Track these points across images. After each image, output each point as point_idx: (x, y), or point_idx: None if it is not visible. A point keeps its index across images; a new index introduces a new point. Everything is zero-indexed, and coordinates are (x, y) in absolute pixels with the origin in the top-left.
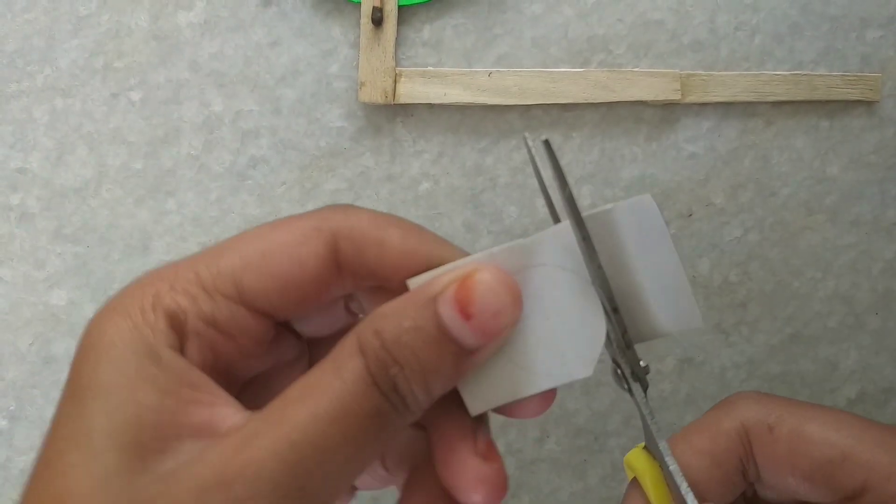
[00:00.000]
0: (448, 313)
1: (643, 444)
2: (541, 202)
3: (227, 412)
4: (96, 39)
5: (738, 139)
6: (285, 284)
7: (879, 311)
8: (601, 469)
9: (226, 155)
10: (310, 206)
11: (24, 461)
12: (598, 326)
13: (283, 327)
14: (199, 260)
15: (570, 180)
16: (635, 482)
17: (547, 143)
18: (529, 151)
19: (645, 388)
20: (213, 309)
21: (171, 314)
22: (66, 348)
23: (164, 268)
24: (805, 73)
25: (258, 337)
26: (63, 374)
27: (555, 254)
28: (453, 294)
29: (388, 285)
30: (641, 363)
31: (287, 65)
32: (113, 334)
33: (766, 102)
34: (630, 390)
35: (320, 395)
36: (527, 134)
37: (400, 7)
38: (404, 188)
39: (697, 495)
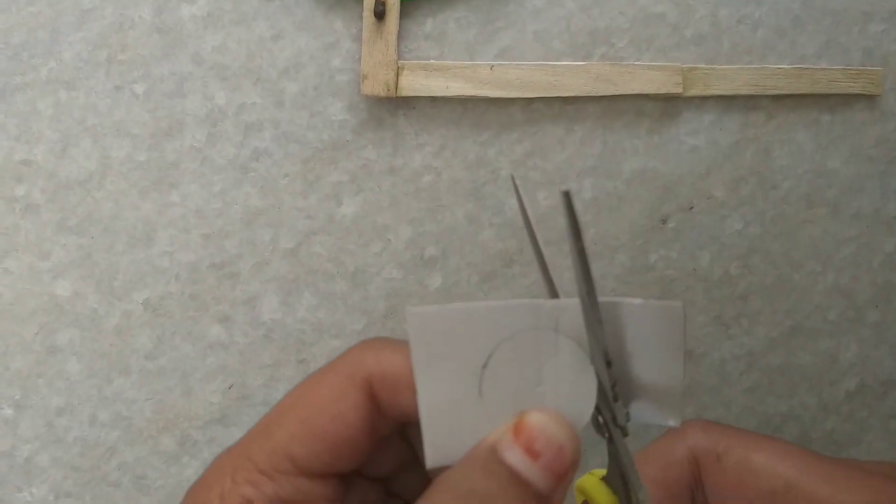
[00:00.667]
0: (515, 456)
1: (595, 471)
2: (542, 194)
3: None
4: (100, 32)
5: (739, 132)
6: (334, 444)
7: (879, 304)
8: None
9: (229, 147)
10: (312, 199)
11: (29, 450)
12: (588, 396)
13: (355, 478)
14: (250, 444)
15: (573, 184)
16: None
17: (567, 196)
18: (517, 191)
19: (625, 434)
20: (276, 490)
21: None
22: (69, 338)
23: (221, 460)
24: (807, 66)
25: (327, 496)
26: (67, 365)
27: (556, 321)
28: (511, 437)
29: None
30: (624, 410)
31: (290, 58)
32: None
33: (768, 96)
34: (611, 438)
35: None
36: (513, 174)
37: (402, 0)
38: (406, 181)
39: None
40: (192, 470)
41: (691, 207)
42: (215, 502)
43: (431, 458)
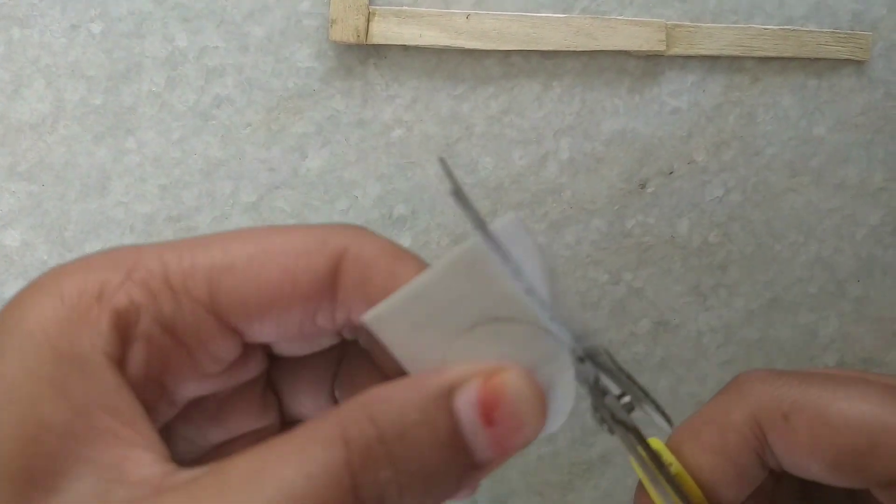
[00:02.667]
0: (467, 415)
1: (651, 441)
2: (518, 153)
3: (143, 457)
4: None
5: (722, 95)
6: (269, 298)
7: (861, 278)
8: (570, 433)
9: (189, 93)
10: (275, 151)
11: None
12: (568, 386)
13: (248, 346)
14: (171, 248)
15: (549, 143)
16: (643, 487)
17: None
18: (450, 175)
19: (630, 428)
20: (174, 311)
21: (119, 311)
22: (18, 289)
23: (125, 249)
24: (794, 28)
25: (221, 354)
26: None
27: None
28: (476, 391)
29: None
30: (625, 399)
31: (255, 0)
32: (34, 321)
33: (753, 58)
34: (613, 433)
35: (272, 489)
36: (442, 157)
37: None
38: (375, 134)
39: (715, 497)
40: None
41: (671, 172)
42: (89, 292)
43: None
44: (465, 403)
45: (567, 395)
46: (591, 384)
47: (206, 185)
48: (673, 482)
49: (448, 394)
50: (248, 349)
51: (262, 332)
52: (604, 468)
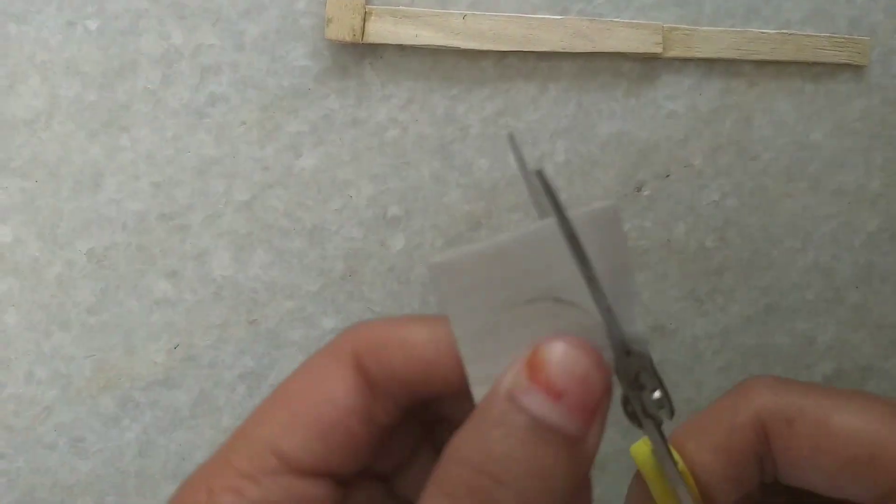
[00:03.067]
0: (534, 401)
1: (647, 439)
2: (512, 156)
3: None
4: None
5: (719, 99)
6: (324, 431)
7: (859, 285)
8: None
9: (184, 91)
10: (269, 150)
11: None
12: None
13: (354, 479)
14: (229, 448)
15: (545, 146)
16: (640, 479)
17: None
18: (516, 150)
19: (659, 424)
20: (263, 494)
21: None
22: (8, 288)
23: (196, 472)
24: (792, 32)
25: (323, 499)
26: (4, 316)
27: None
28: (527, 377)
29: (435, 390)
30: (656, 395)
31: None
32: None
33: (750, 61)
34: (642, 427)
35: None
36: (510, 133)
37: None
38: (370, 134)
39: (709, 496)
40: (132, 434)
41: (667, 175)
42: None
43: (477, 393)
44: (524, 392)
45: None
46: (630, 379)
47: (199, 183)
48: (680, 480)
49: (510, 399)
50: (352, 486)
51: (342, 461)
52: (598, 475)
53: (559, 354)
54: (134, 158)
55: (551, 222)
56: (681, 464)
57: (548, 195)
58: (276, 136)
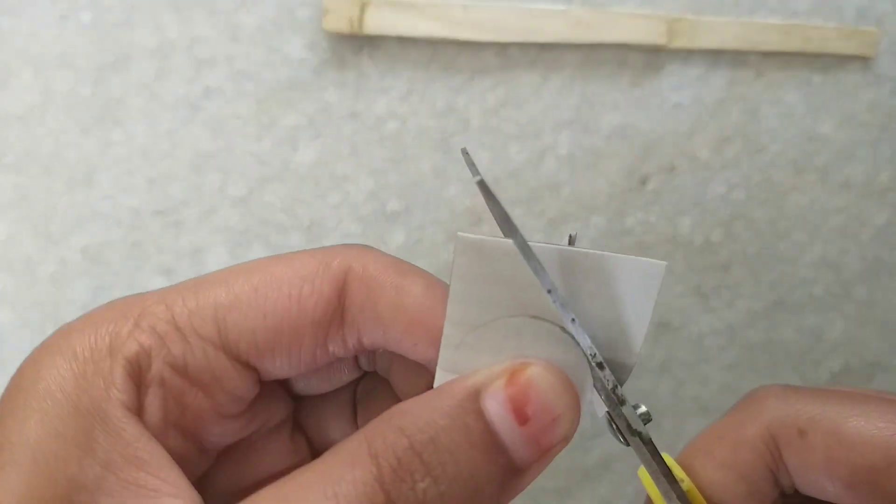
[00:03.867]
0: (498, 412)
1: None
2: (515, 148)
3: None
4: None
5: (725, 90)
6: (278, 327)
7: (867, 280)
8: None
9: (179, 84)
10: (266, 143)
11: None
12: (583, 380)
13: (268, 384)
14: (174, 291)
15: (547, 138)
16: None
17: (482, 185)
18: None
19: (645, 440)
20: (184, 352)
21: (130, 360)
22: (2, 284)
23: (129, 299)
24: (799, 23)
25: (238, 392)
26: (1, 314)
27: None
28: (503, 390)
29: (400, 348)
30: (641, 410)
31: None
32: (52, 381)
33: (757, 52)
34: (628, 444)
35: None
36: (464, 148)
37: None
38: (369, 127)
39: None
40: None
41: (673, 168)
42: (100, 346)
43: (439, 378)
44: (495, 402)
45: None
46: (607, 391)
47: (194, 178)
48: (684, 499)
49: (475, 396)
50: (269, 389)
51: (276, 365)
52: (602, 474)
53: (547, 382)
54: (128, 153)
55: (570, 249)
56: (686, 482)
57: (492, 207)
58: (273, 129)
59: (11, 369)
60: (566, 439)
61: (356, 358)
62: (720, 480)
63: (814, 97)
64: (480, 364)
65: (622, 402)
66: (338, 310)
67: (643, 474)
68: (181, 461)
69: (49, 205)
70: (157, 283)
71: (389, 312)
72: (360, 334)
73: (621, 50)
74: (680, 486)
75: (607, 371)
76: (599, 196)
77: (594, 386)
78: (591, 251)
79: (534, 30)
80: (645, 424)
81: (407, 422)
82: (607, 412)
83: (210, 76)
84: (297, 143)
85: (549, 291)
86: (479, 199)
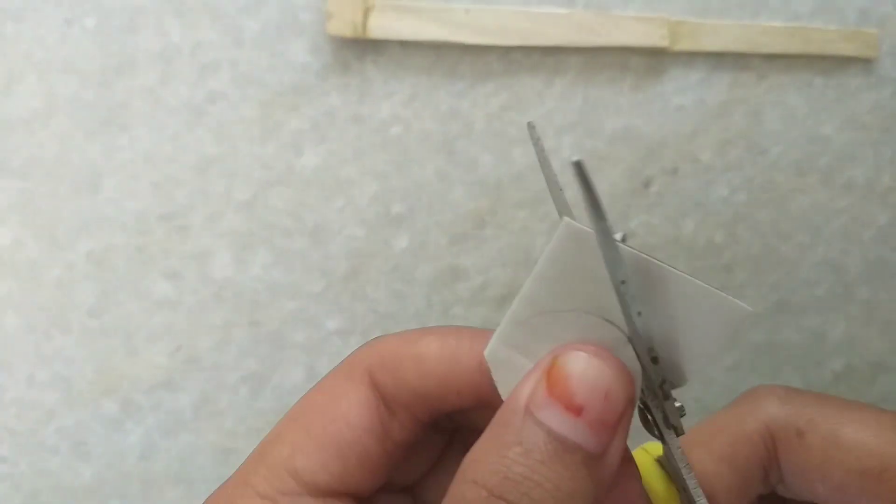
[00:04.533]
0: (553, 417)
1: (648, 446)
2: (518, 151)
3: None
4: None
5: (728, 92)
6: (340, 450)
7: (870, 280)
8: None
9: (183, 88)
10: (270, 147)
11: None
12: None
13: (375, 495)
14: (247, 469)
15: (551, 142)
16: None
17: (578, 166)
18: (536, 145)
19: (679, 434)
20: None
21: None
22: (7, 290)
23: (217, 493)
24: (800, 25)
25: None
26: (4, 318)
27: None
28: (546, 392)
29: (448, 405)
30: (677, 404)
31: None
32: None
33: (759, 55)
34: (663, 438)
35: None
36: (530, 122)
37: None
38: (372, 131)
39: None
40: (134, 437)
41: (675, 171)
42: None
43: (498, 378)
44: (543, 407)
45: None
46: (655, 386)
47: (198, 182)
48: (699, 491)
49: (525, 411)
50: (366, 500)
51: (361, 481)
52: None
53: (580, 366)
54: (133, 158)
55: (655, 262)
56: (700, 489)
57: (584, 190)
58: (277, 133)
59: (18, 373)
60: (630, 404)
61: (436, 426)
62: (715, 472)
63: (816, 99)
64: (533, 347)
65: (667, 396)
66: (380, 405)
67: (637, 460)
68: None
69: (54, 209)
70: (163, 287)
71: (419, 382)
72: (411, 412)
73: (624, 53)
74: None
75: (660, 366)
76: (603, 199)
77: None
78: (677, 271)
79: (537, 34)
80: (681, 418)
81: (478, 472)
82: (642, 404)
83: (214, 81)
84: (301, 148)
85: (622, 283)
86: (483, 203)
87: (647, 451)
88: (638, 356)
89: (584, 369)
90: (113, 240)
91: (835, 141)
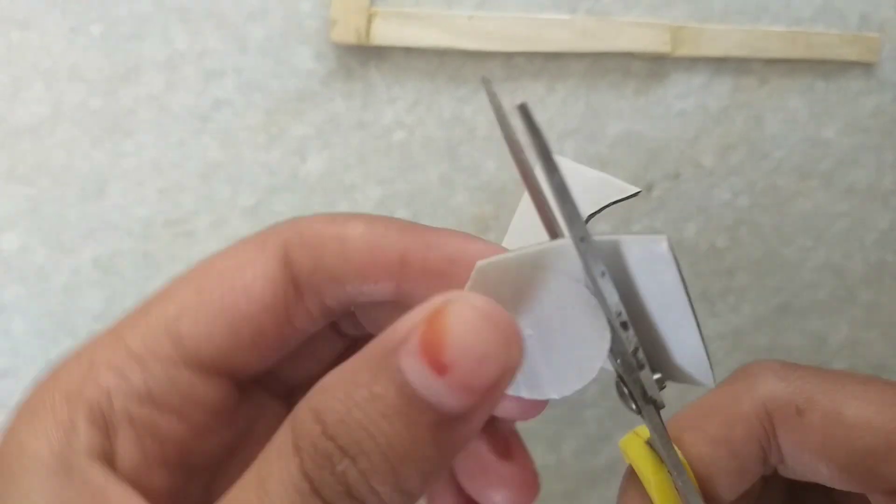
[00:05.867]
0: (414, 368)
1: (639, 430)
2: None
3: None
4: None
5: (729, 97)
6: (232, 322)
7: (872, 283)
8: (575, 442)
9: (188, 96)
10: (275, 154)
11: None
12: (600, 340)
13: (251, 385)
14: (125, 320)
15: (553, 146)
16: (633, 476)
17: (523, 109)
18: (493, 100)
19: (659, 408)
20: (145, 379)
21: (91, 405)
22: (16, 295)
23: (87, 343)
24: (802, 30)
25: (214, 405)
26: (12, 323)
27: (558, 262)
28: (419, 340)
29: (364, 294)
30: (656, 376)
31: (255, 1)
32: (28, 446)
33: (761, 59)
34: (640, 412)
35: None
36: (483, 77)
37: None
38: (376, 137)
39: (710, 491)
40: None
41: (677, 175)
42: (56, 398)
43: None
44: (409, 357)
45: (592, 350)
46: (628, 354)
47: (204, 188)
48: (682, 471)
49: (391, 356)
50: (248, 391)
51: (247, 361)
52: (610, 477)
53: (462, 321)
54: (139, 164)
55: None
56: (679, 455)
57: (533, 136)
58: (282, 139)
59: (25, 378)
60: (507, 374)
61: (337, 328)
62: (710, 456)
63: (817, 103)
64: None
65: (641, 365)
66: (288, 284)
67: (629, 447)
68: (170, 496)
69: (61, 216)
70: None
71: (339, 263)
72: (321, 298)
73: (626, 58)
74: (680, 459)
75: (631, 332)
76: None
77: (610, 350)
78: (606, 237)
79: (539, 39)
80: (661, 391)
81: (322, 403)
82: (619, 377)
83: (219, 88)
84: (305, 153)
85: (581, 240)
86: (487, 208)
87: (637, 435)
88: (608, 319)
89: (466, 324)
90: (119, 245)
91: (836, 145)
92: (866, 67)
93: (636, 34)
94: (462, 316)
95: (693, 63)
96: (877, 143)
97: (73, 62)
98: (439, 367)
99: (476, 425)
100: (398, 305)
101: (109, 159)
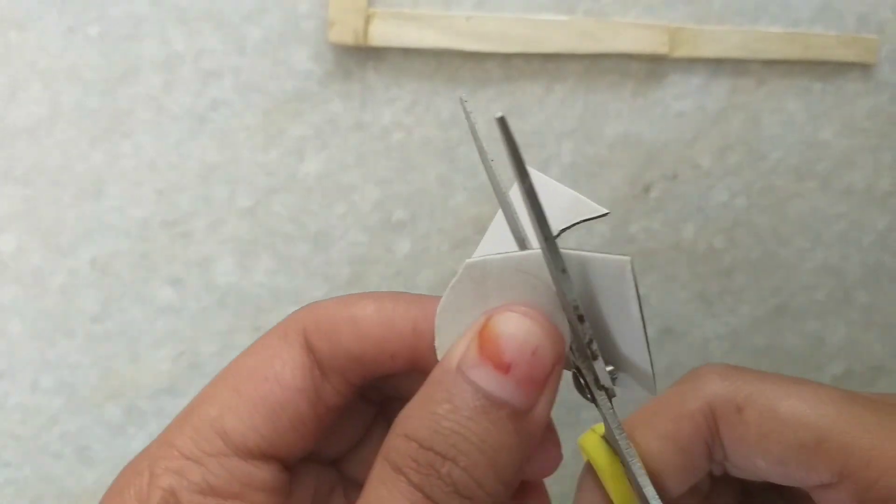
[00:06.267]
0: (482, 375)
1: (597, 427)
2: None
3: None
4: None
5: (727, 98)
6: (271, 412)
7: (869, 285)
8: (573, 443)
9: (186, 96)
10: (273, 154)
11: None
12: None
13: (300, 463)
14: (170, 429)
15: (551, 148)
16: (590, 470)
17: (502, 121)
18: (467, 117)
19: (611, 396)
20: (203, 475)
21: None
22: (12, 296)
23: (138, 456)
24: (800, 31)
25: (272, 486)
26: (9, 325)
27: (537, 267)
28: (477, 352)
29: (384, 368)
30: (608, 368)
31: (253, 1)
32: None
33: (759, 60)
34: (594, 401)
35: None
36: (462, 95)
37: None
38: (375, 138)
39: (659, 484)
40: (138, 442)
41: (675, 176)
42: (131, 503)
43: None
44: (473, 366)
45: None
46: (584, 345)
47: (201, 189)
48: (635, 460)
49: (456, 370)
50: (299, 468)
51: (291, 442)
52: None
53: (511, 326)
54: (136, 165)
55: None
56: (630, 443)
57: (508, 147)
58: (280, 140)
59: (23, 380)
60: (558, 361)
61: (365, 397)
62: (659, 450)
63: (815, 105)
64: (472, 313)
65: (594, 356)
66: (314, 367)
67: (586, 442)
68: None
69: (58, 216)
70: (166, 293)
71: (354, 344)
72: (344, 376)
73: (624, 60)
74: (634, 449)
75: (587, 324)
76: (603, 204)
77: (570, 346)
78: (570, 251)
79: (537, 40)
80: (613, 382)
81: (408, 426)
82: (575, 368)
83: (217, 88)
84: (303, 154)
85: (546, 239)
86: (485, 208)
87: (594, 432)
88: (565, 313)
89: (514, 328)
90: (116, 246)
91: (834, 146)
92: (864, 69)
93: (634, 35)
94: (507, 321)
95: (691, 64)
96: (874, 145)
97: (70, 62)
98: (503, 367)
99: (545, 414)
100: (416, 373)
101: (107, 160)
